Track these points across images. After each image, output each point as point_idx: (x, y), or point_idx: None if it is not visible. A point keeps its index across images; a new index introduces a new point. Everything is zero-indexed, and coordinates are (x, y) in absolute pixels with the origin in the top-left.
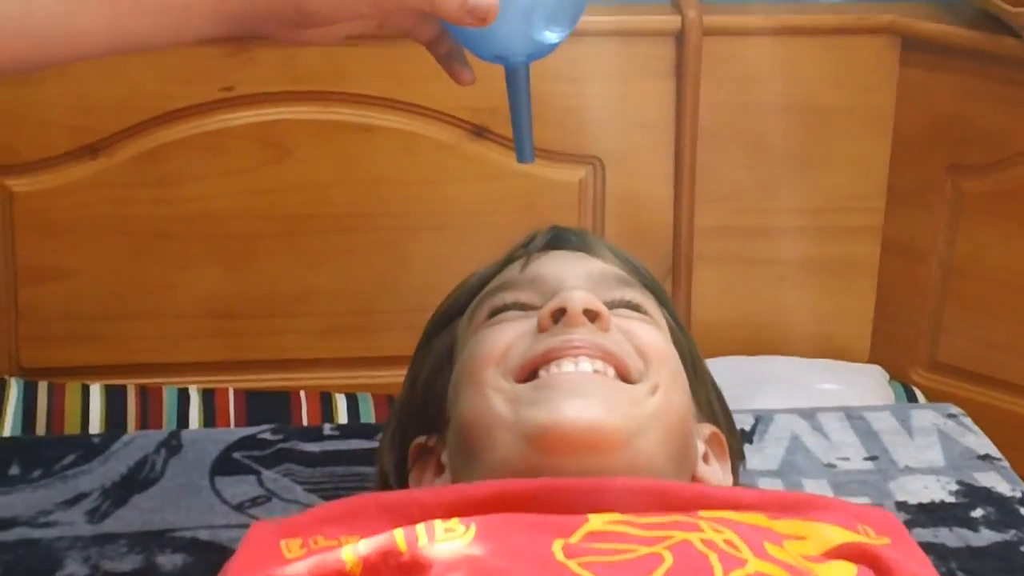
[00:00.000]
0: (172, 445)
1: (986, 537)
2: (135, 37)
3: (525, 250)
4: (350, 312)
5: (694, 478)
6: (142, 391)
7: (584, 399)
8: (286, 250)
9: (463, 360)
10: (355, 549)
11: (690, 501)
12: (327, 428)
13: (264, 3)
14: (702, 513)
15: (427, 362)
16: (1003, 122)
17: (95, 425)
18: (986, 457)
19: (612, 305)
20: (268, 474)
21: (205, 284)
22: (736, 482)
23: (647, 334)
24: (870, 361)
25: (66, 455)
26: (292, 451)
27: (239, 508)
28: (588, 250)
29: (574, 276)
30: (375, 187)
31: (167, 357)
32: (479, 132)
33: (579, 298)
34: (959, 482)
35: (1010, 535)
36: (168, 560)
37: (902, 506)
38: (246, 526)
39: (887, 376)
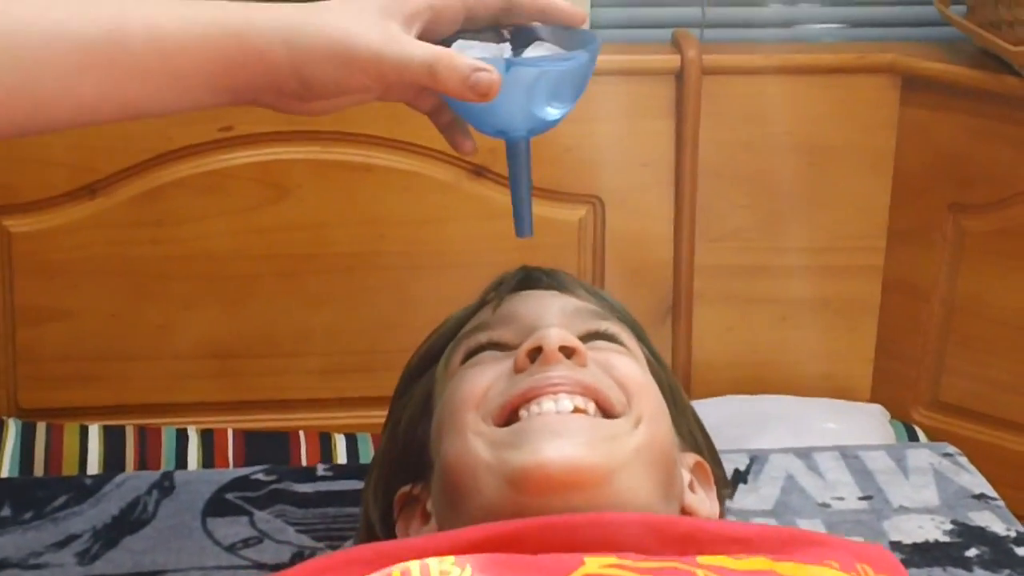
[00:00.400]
0: (164, 486)
1: None
2: (136, 105)
3: (497, 292)
4: (351, 352)
5: (682, 508)
6: (141, 432)
7: (563, 439)
8: (286, 290)
9: (443, 404)
10: None
11: (686, 535)
12: (320, 469)
13: (266, 76)
14: (700, 559)
15: (406, 410)
16: (1004, 161)
17: (93, 466)
18: (981, 496)
19: (588, 337)
20: (260, 515)
21: (205, 324)
22: (723, 509)
23: (625, 366)
24: (872, 400)
25: (58, 496)
26: (285, 492)
27: (231, 549)
28: (561, 288)
29: (549, 313)
30: (375, 226)
31: (166, 398)
32: (479, 171)
33: (555, 335)
34: (954, 521)
35: (1004, 575)
36: None
37: (896, 546)
38: (237, 568)
39: (888, 415)
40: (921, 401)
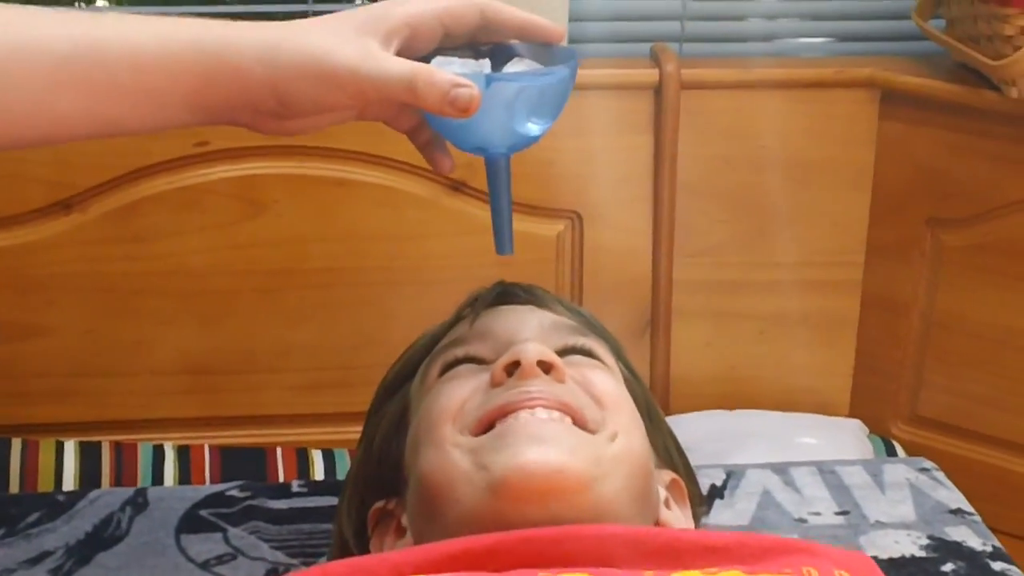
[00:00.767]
0: (138, 503)
1: None
2: (112, 123)
3: (473, 307)
4: (328, 368)
5: (657, 523)
6: (117, 448)
7: (545, 444)
8: (263, 306)
9: (419, 419)
10: None
11: (665, 546)
12: (295, 485)
13: (243, 95)
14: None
15: (381, 426)
16: (983, 176)
17: (69, 482)
18: (958, 511)
19: (565, 351)
20: (234, 531)
21: (182, 340)
22: (698, 527)
23: (602, 381)
24: (850, 415)
25: (31, 513)
26: (259, 508)
27: (204, 566)
28: (538, 303)
29: (526, 328)
30: (352, 242)
31: (143, 414)
32: (457, 187)
33: (533, 350)
34: (930, 536)
35: None
36: None
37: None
38: None
39: (867, 430)
40: (900, 415)
